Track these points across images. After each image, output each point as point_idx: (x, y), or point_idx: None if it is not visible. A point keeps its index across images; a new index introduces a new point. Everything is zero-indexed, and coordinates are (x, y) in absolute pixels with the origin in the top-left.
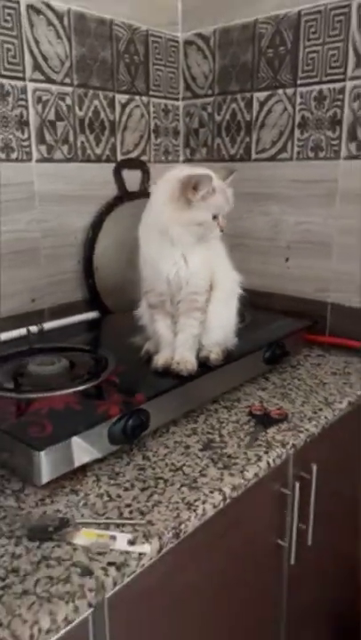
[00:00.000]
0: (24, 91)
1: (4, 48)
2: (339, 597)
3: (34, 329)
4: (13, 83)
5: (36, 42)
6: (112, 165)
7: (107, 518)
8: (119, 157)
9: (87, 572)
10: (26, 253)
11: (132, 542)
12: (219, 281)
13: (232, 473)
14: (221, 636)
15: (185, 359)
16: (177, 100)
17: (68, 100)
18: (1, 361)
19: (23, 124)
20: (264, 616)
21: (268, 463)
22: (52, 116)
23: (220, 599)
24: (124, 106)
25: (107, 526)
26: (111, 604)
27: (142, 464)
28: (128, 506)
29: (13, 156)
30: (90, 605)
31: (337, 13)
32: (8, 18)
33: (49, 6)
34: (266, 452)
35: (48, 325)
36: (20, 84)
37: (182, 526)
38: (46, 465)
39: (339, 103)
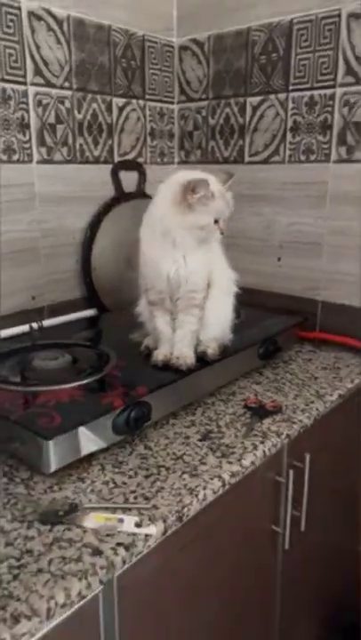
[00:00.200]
0: (25, 94)
1: (6, 53)
2: (331, 582)
3: (34, 326)
4: (15, 87)
5: (37, 47)
6: (110, 167)
7: (113, 503)
8: (116, 159)
9: (97, 552)
10: (26, 253)
11: (138, 524)
12: (216, 279)
13: (230, 461)
14: (220, 612)
15: (184, 354)
16: (172, 103)
17: (68, 104)
18: (6, 356)
19: (24, 126)
20: (261, 596)
21: (264, 452)
22: (52, 119)
23: (220, 579)
24: (121, 109)
25: (114, 510)
26: (120, 581)
27: (145, 453)
28: (133, 492)
29: (15, 157)
30: (101, 582)
31: (327, 23)
32: (10, 24)
33: (49, 12)
34: (262, 442)
35: (48, 322)
36: (21, 87)
37: (185, 510)
38: (55, 453)
39: (329, 109)
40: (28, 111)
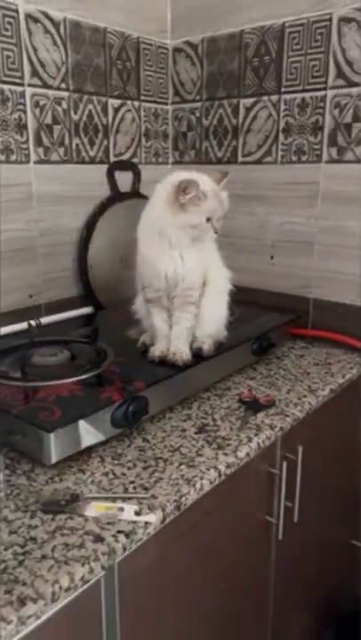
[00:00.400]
0: (22, 96)
1: (3, 55)
2: (324, 572)
3: (33, 323)
4: (13, 88)
5: (34, 49)
6: (105, 167)
7: (113, 493)
8: (112, 159)
9: (99, 539)
10: (24, 252)
11: (138, 513)
12: (211, 277)
13: (226, 452)
14: (216, 597)
15: (180, 350)
16: (166, 104)
17: (64, 105)
18: (6, 353)
19: (22, 127)
20: (256, 585)
21: (258, 444)
22: (48, 120)
23: (216, 566)
24: (116, 110)
25: (114, 500)
26: (120, 567)
27: (143, 446)
28: (132, 482)
29: (13, 157)
30: (103, 568)
31: (319, 26)
32: (8, 27)
33: (46, 15)
34: (256, 435)
35: (45, 320)
36: (18, 89)
37: (183, 499)
38: (55, 446)
39: (320, 110)
40: (25, 112)
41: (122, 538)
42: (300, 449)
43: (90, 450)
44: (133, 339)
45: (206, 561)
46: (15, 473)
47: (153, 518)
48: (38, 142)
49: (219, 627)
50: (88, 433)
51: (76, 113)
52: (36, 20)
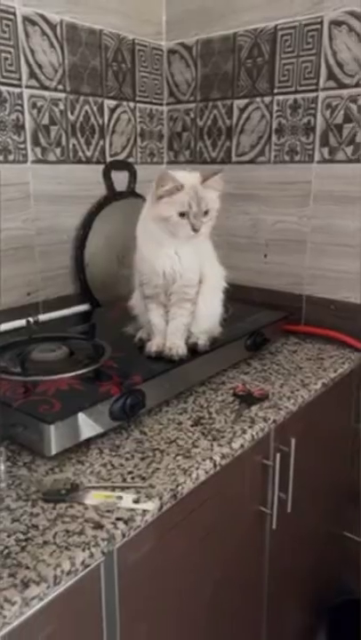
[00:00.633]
0: (20, 97)
1: (1, 57)
2: (316, 562)
3: (31, 320)
4: (10, 89)
5: (32, 51)
6: (101, 167)
7: (112, 483)
8: (108, 159)
9: (99, 526)
10: (22, 250)
11: (136, 501)
12: (207, 275)
13: (221, 444)
14: (211, 585)
15: (176, 345)
16: (161, 105)
17: (61, 106)
18: (5, 349)
19: (19, 127)
20: (250, 574)
21: (253, 436)
22: (45, 121)
23: (211, 554)
24: (112, 111)
25: (113, 489)
26: (120, 553)
27: (140, 438)
28: (130, 473)
29: (10, 157)
30: (103, 553)
31: (310, 29)
32: (5, 29)
33: (43, 18)
34: (250, 427)
35: (44, 317)
36: (16, 90)
37: (179, 488)
38: (55, 437)
39: (312, 111)
40: (22, 113)
41: (121, 525)
42: (293, 441)
43: (89, 442)
44: (130, 335)
45: (203, 548)
46: (16, 464)
47: (151, 506)
48: (36, 142)
49: (215, 612)
50: (87, 425)
51: (72, 114)
52: (34, 23)
